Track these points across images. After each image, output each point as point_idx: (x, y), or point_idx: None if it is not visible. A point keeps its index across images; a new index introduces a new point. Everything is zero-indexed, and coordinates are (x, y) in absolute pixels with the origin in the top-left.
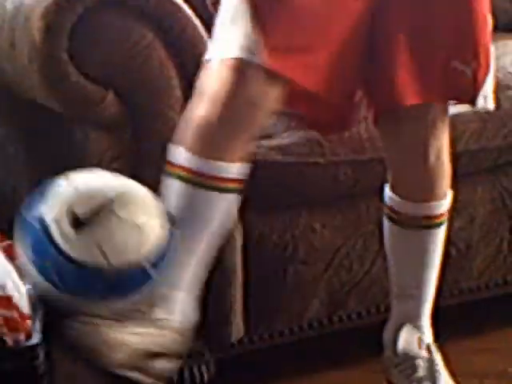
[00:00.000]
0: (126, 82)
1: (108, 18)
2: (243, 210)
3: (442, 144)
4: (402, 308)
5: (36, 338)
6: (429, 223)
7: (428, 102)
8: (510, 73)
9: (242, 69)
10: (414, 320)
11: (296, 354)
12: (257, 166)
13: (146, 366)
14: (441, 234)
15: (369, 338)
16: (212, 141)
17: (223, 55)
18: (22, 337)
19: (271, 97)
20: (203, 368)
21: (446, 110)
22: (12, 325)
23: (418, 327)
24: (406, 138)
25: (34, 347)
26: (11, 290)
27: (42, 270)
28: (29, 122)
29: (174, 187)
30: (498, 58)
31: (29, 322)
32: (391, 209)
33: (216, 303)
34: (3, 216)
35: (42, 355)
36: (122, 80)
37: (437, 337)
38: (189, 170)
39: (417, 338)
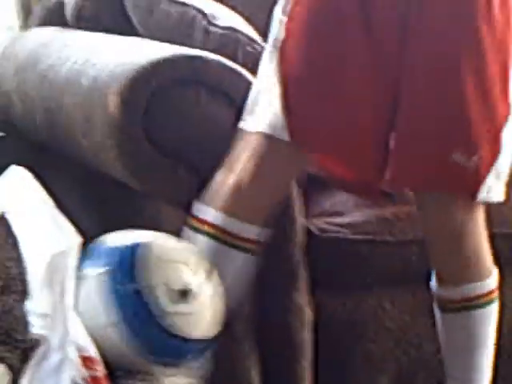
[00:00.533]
0: (197, 157)
1: (180, 94)
2: (314, 286)
3: (468, 227)
4: None
5: None
6: (472, 305)
7: (423, 191)
8: None
9: (270, 143)
10: None
11: None
12: (328, 242)
13: None
14: (487, 314)
15: None
16: (240, 203)
17: (255, 128)
18: None
19: (294, 169)
20: None
21: (474, 203)
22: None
23: None
24: (429, 217)
25: None
26: (93, 351)
27: (135, 340)
28: (103, 195)
29: (198, 242)
30: None
31: (108, 381)
32: (436, 296)
33: (286, 378)
34: None
35: None
36: (193, 154)
37: None
38: (215, 227)
39: None
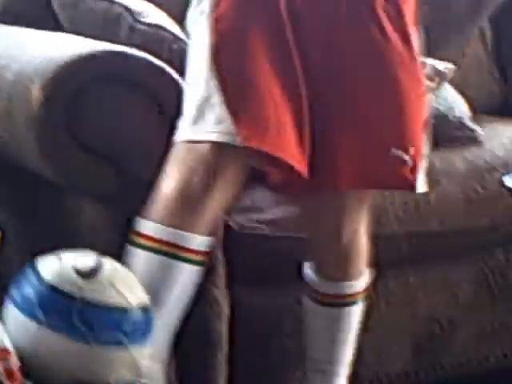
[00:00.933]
0: (121, 154)
1: (103, 90)
2: (232, 281)
3: (358, 226)
4: (312, 381)
5: None
6: (343, 301)
7: (365, 189)
8: (497, 156)
9: (219, 152)
10: None
11: None
12: (246, 238)
13: None
14: (356, 311)
15: None
16: (189, 215)
17: (198, 137)
18: None
19: (245, 173)
20: None
21: (365, 195)
22: (10, 375)
23: None
24: (320, 217)
25: None
26: (8, 343)
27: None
28: (21, 189)
29: (139, 256)
30: (485, 141)
31: (19, 373)
32: (310, 287)
33: (201, 371)
34: None
35: None
36: (117, 151)
37: None
38: (155, 240)
39: None
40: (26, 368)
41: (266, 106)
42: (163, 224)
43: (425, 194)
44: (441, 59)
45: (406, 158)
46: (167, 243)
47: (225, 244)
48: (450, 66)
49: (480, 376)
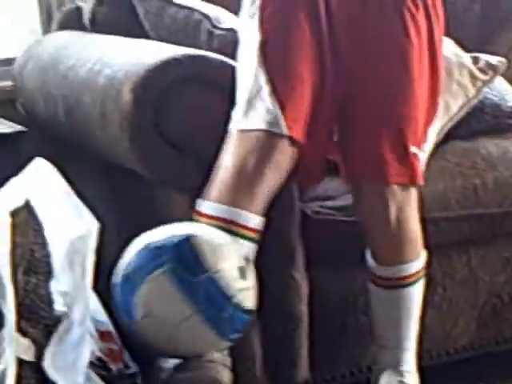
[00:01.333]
0: (203, 147)
1: (186, 90)
2: (310, 264)
3: (406, 213)
4: (382, 357)
5: (134, 368)
6: (401, 283)
7: (385, 182)
8: None
9: (268, 139)
10: (394, 366)
11: None
12: (322, 223)
13: None
14: (415, 291)
15: None
16: (244, 196)
17: (253, 126)
18: (121, 366)
19: (290, 160)
20: None
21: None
22: (114, 356)
23: (398, 372)
24: (368, 206)
25: (133, 375)
26: (111, 326)
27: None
28: (117, 184)
29: None
30: None
31: (125, 353)
32: (370, 272)
33: (284, 348)
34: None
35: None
36: (199, 145)
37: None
38: (215, 218)
39: (397, 382)
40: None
41: (305, 97)
42: (222, 203)
43: (482, 179)
44: (493, 54)
45: (411, 148)
46: (225, 220)
47: (302, 230)
48: (503, 60)
49: None
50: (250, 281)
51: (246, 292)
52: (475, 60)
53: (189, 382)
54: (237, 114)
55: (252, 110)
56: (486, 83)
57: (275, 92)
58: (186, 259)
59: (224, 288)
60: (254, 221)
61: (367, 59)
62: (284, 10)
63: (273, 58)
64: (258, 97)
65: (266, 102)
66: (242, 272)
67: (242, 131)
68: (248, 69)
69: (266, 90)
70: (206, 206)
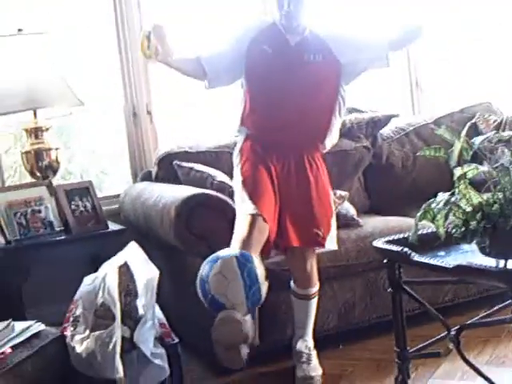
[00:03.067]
0: (211, 238)
1: (202, 210)
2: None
3: (312, 262)
4: (298, 332)
5: (176, 340)
6: (309, 297)
7: (302, 246)
8: None
9: (254, 217)
10: (303, 337)
11: None
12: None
13: (243, 347)
14: (314, 301)
15: None
16: (246, 246)
17: (245, 213)
18: (169, 339)
19: (266, 229)
20: None
21: (314, 249)
22: (166, 335)
23: (305, 340)
24: (296, 258)
25: (176, 344)
26: (165, 320)
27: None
28: (167, 254)
29: None
30: None
31: (172, 334)
32: (293, 291)
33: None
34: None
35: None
36: (210, 237)
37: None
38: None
39: (304, 345)
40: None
41: (266, 201)
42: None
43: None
44: (342, 189)
45: (320, 232)
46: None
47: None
48: (347, 193)
49: None
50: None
51: (263, 286)
52: (334, 193)
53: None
54: (236, 207)
55: (242, 205)
56: (339, 204)
57: (250, 198)
58: (241, 256)
59: (256, 273)
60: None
61: (292, 194)
62: (252, 163)
63: (249, 186)
64: (244, 201)
65: (247, 202)
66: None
67: (240, 217)
68: (238, 190)
69: (246, 198)
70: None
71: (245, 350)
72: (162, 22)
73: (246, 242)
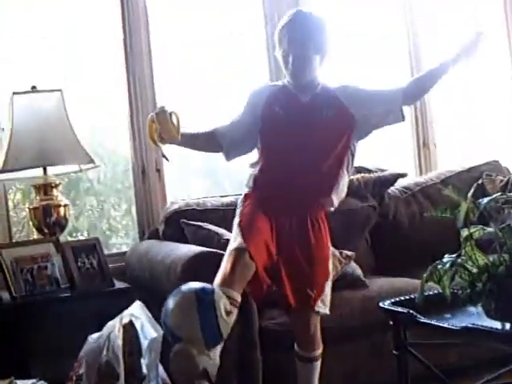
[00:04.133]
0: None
1: (204, 265)
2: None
3: (316, 324)
4: None
5: None
6: (313, 360)
7: (296, 306)
8: None
9: (239, 252)
10: None
11: None
12: (270, 331)
13: (200, 382)
14: (318, 363)
15: None
16: (228, 282)
17: (233, 247)
18: None
19: (252, 265)
20: None
21: (315, 310)
22: None
23: None
24: (299, 320)
25: None
26: (168, 379)
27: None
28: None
29: None
30: None
31: None
32: (297, 353)
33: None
34: None
35: None
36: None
37: None
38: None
39: None
40: None
41: (257, 241)
42: (221, 287)
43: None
44: (348, 249)
45: (312, 294)
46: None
47: (260, 334)
48: (353, 253)
49: None
50: (229, 318)
51: (224, 321)
52: (340, 252)
53: None
54: (230, 245)
55: (234, 241)
56: (345, 264)
57: (242, 236)
58: (204, 291)
59: (217, 310)
60: (237, 296)
61: (292, 252)
62: (253, 208)
63: (243, 225)
64: (237, 237)
65: (238, 239)
66: (228, 314)
67: (230, 250)
68: (233, 232)
69: (239, 237)
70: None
71: None
72: (168, 104)
73: (228, 278)
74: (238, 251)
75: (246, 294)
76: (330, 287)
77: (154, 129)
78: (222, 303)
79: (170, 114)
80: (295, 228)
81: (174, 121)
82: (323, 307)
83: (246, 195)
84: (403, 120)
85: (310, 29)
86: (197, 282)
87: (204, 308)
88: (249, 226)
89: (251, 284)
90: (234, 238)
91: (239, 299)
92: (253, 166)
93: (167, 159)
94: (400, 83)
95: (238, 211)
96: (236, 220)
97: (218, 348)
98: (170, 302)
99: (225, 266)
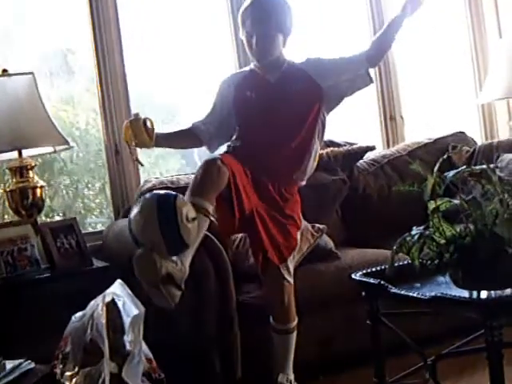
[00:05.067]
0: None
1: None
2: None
3: (290, 296)
4: (278, 366)
5: (162, 375)
6: (289, 332)
7: (271, 255)
8: None
9: (213, 160)
10: (284, 370)
11: None
12: (245, 304)
13: (166, 287)
14: (294, 335)
15: None
16: (200, 191)
17: (205, 159)
18: (156, 375)
19: (224, 173)
20: None
21: (290, 282)
22: (153, 369)
23: (285, 373)
24: (273, 290)
25: (162, 379)
26: (151, 355)
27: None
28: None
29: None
30: None
31: (158, 369)
32: (272, 326)
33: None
34: None
35: None
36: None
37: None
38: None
39: (285, 378)
40: None
41: (236, 163)
42: (188, 196)
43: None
44: (320, 222)
45: (284, 253)
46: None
47: (238, 307)
48: (325, 226)
49: None
50: (194, 226)
51: (187, 230)
52: (312, 226)
53: None
54: None
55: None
56: (318, 238)
57: (222, 154)
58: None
59: (178, 216)
60: (208, 205)
61: (265, 208)
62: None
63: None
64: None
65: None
66: (191, 220)
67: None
68: None
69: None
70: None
71: (173, 291)
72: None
73: (197, 186)
74: (209, 161)
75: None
76: (295, 259)
77: (129, 135)
78: (185, 209)
79: (144, 121)
80: (269, 193)
81: (149, 125)
82: (288, 275)
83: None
84: (371, 82)
85: (272, 8)
86: (161, 191)
87: (163, 213)
88: (229, 155)
89: (222, 215)
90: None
91: (210, 208)
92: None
93: (141, 164)
94: (362, 48)
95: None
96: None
97: (187, 255)
98: (134, 209)
99: (194, 176)
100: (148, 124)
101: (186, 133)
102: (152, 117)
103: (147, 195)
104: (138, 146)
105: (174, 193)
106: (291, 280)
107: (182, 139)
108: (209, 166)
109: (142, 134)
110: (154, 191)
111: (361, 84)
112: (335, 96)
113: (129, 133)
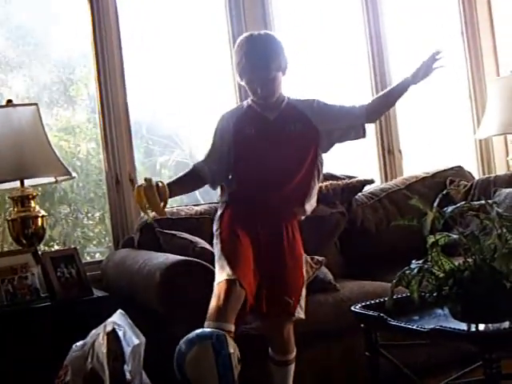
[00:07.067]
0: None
1: (184, 274)
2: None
3: (289, 328)
4: None
5: None
6: (287, 363)
7: (274, 315)
8: None
9: (230, 283)
10: None
11: None
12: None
13: None
14: (292, 366)
15: None
16: (222, 316)
17: (222, 278)
18: None
19: (242, 295)
20: None
21: (295, 317)
22: None
23: None
24: (273, 325)
25: None
26: None
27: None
28: (152, 318)
29: None
30: None
31: None
32: (271, 357)
33: None
34: None
35: None
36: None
37: None
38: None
39: None
40: None
41: (244, 266)
42: (212, 321)
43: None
44: (319, 255)
45: (290, 301)
46: (217, 329)
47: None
48: (324, 258)
49: None
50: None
51: (236, 371)
52: (311, 258)
53: None
54: (216, 277)
55: (221, 272)
56: (317, 270)
57: (230, 265)
58: (218, 341)
59: (232, 360)
60: (232, 327)
61: (267, 262)
62: (231, 230)
63: (227, 251)
64: (223, 266)
65: (226, 269)
66: (239, 362)
67: (218, 283)
68: (218, 256)
69: (226, 265)
70: (207, 324)
71: None
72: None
73: (223, 311)
74: (229, 283)
75: None
76: (305, 292)
77: (142, 199)
78: (236, 354)
79: (157, 185)
80: (270, 237)
81: (161, 188)
82: (301, 312)
83: (221, 216)
84: (364, 137)
85: (269, 51)
86: (207, 329)
87: (221, 361)
88: (233, 253)
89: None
90: (221, 267)
91: (233, 329)
92: (227, 183)
93: (152, 223)
94: (363, 101)
95: (215, 230)
96: (217, 246)
97: None
98: (185, 349)
99: (217, 297)
100: (160, 187)
101: (191, 176)
102: (154, 146)
103: (199, 337)
104: (150, 209)
105: (221, 332)
106: (303, 316)
107: (189, 184)
108: (231, 289)
109: (157, 202)
110: (203, 331)
111: (353, 136)
112: (328, 140)
113: (141, 195)
